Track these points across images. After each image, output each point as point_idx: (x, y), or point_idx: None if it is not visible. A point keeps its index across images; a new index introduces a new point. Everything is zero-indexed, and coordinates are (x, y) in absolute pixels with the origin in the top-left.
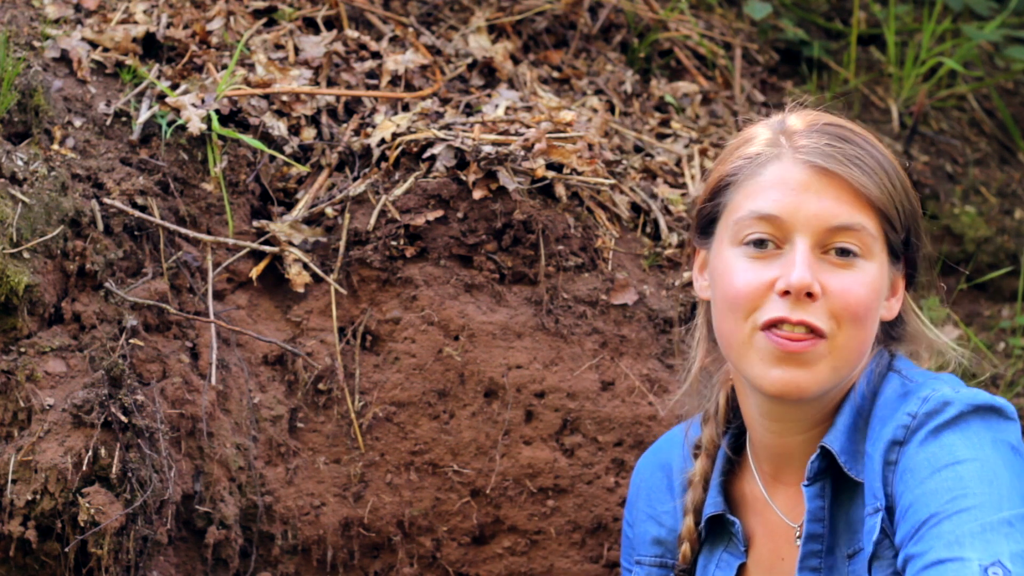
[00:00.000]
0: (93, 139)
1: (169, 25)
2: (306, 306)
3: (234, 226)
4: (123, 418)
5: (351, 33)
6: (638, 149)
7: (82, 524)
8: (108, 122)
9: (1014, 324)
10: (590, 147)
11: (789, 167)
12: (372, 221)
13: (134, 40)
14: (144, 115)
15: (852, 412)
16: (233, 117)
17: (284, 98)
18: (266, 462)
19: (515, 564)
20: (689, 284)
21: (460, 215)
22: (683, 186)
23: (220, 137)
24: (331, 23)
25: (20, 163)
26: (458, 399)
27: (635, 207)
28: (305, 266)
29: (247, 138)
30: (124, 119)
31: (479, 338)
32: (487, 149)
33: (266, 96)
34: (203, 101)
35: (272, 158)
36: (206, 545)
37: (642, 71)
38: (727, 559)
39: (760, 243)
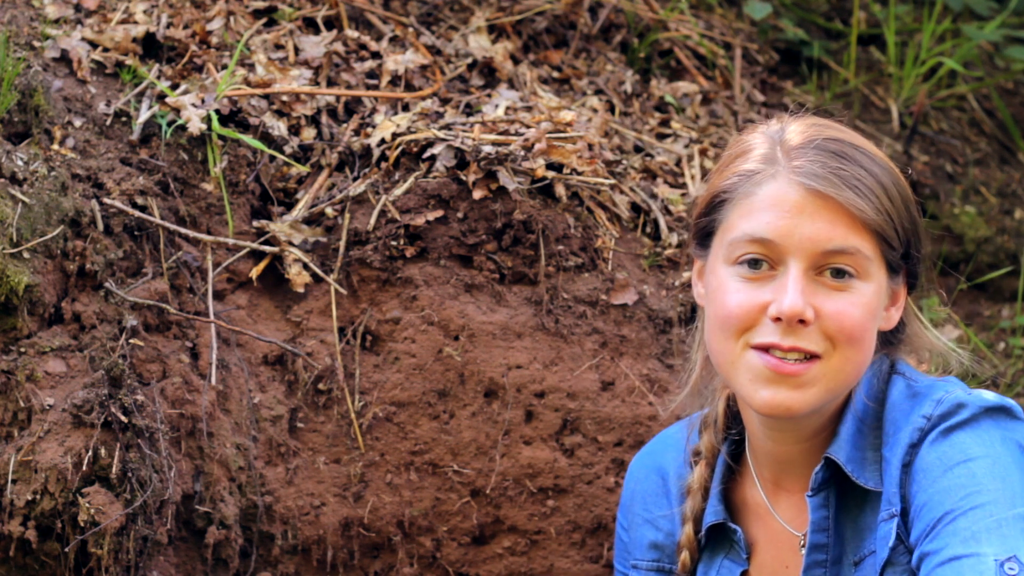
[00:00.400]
0: (93, 139)
1: (169, 25)
2: (306, 306)
3: (234, 226)
4: (123, 418)
5: (351, 33)
6: (638, 149)
7: (82, 524)
8: (108, 122)
9: (1014, 324)
10: (590, 147)
11: (784, 188)
12: (372, 221)
13: (134, 40)
14: (144, 115)
15: (854, 420)
16: (233, 117)
17: (284, 98)
18: (266, 462)
19: (515, 564)
20: (689, 284)
21: (460, 215)
22: (683, 186)
23: (220, 137)
24: (331, 23)
25: (20, 163)
26: (458, 399)
27: (635, 207)
28: (305, 266)
29: (247, 138)
30: (124, 119)
31: (479, 338)
32: (487, 149)
33: (266, 96)
34: (203, 101)
35: (272, 158)
36: (206, 545)
37: (642, 71)
38: (728, 566)
39: (754, 263)
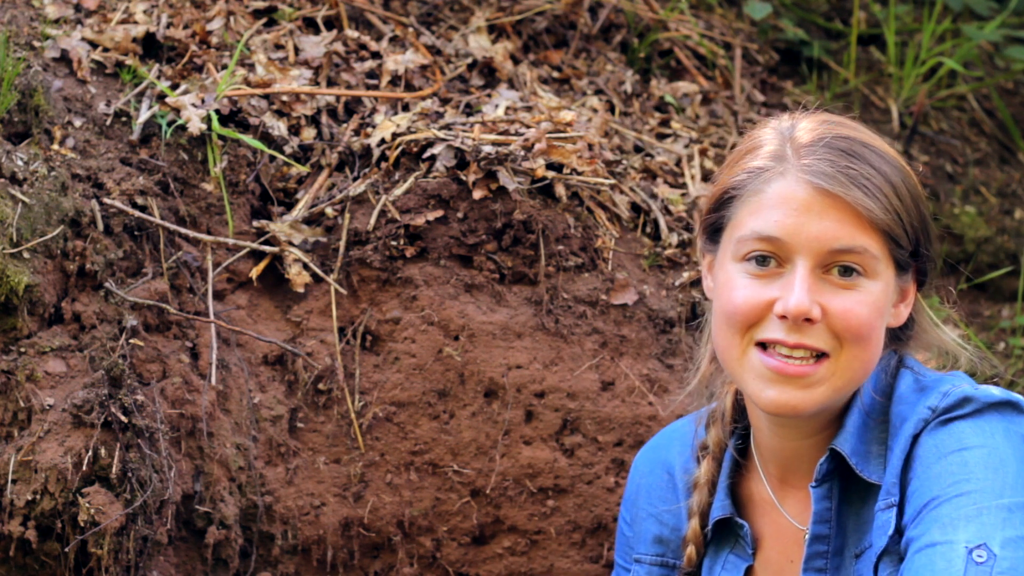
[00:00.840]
0: (93, 139)
1: (169, 25)
2: (306, 306)
3: (234, 226)
4: (123, 418)
5: (351, 33)
6: (638, 149)
7: (82, 524)
8: (108, 122)
9: (1014, 324)
10: (590, 147)
11: (792, 186)
12: (372, 221)
13: (134, 40)
14: (144, 115)
15: (861, 413)
16: (233, 117)
17: (284, 98)
18: (266, 462)
19: (515, 564)
20: (689, 284)
21: (460, 215)
22: (683, 186)
23: (220, 137)
24: (331, 23)
25: (20, 163)
26: (458, 399)
27: (635, 207)
28: (305, 266)
29: (247, 138)
30: (124, 119)
31: (479, 338)
32: (487, 149)
33: (266, 96)
34: (203, 101)
35: (272, 158)
36: (206, 545)
37: (642, 71)
38: (734, 561)
39: (762, 260)
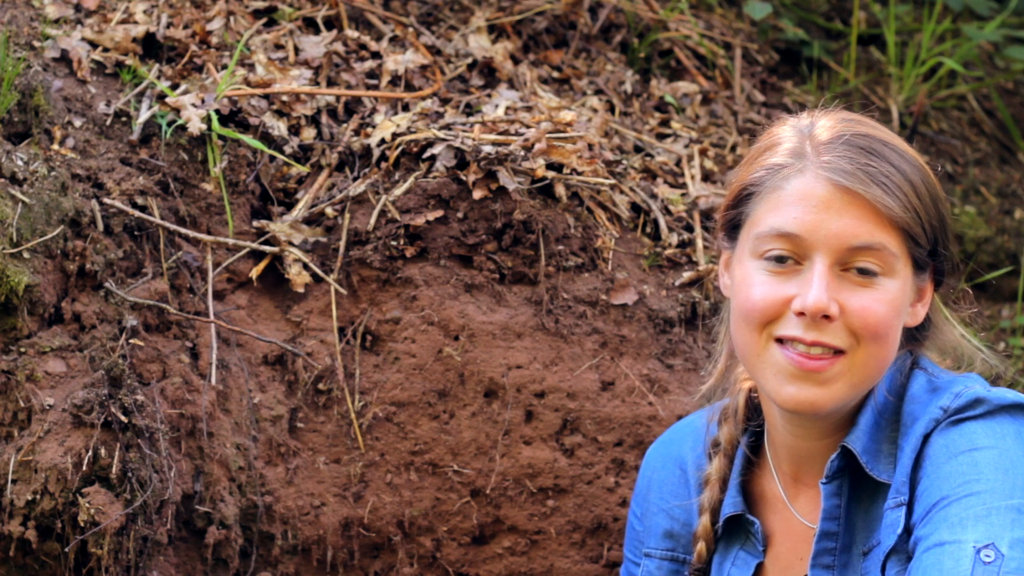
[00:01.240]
0: (93, 139)
1: (169, 25)
2: (306, 306)
3: (234, 226)
4: (123, 418)
5: (351, 33)
6: (638, 149)
7: (82, 524)
8: (108, 122)
9: (1014, 324)
10: (590, 147)
11: (811, 183)
12: (372, 221)
13: (134, 40)
14: (144, 115)
15: (873, 412)
16: (233, 117)
17: (284, 98)
18: (266, 462)
19: (515, 564)
20: (689, 284)
21: (460, 215)
22: (683, 186)
23: (220, 137)
24: (331, 23)
25: (20, 163)
26: (458, 399)
27: (635, 207)
28: (305, 266)
29: (247, 138)
30: (124, 119)
31: (479, 338)
32: (487, 149)
33: (266, 96)
34: (203, 101)
35: (272, 158)
36: (206, 545)
37: (642, 71)
38: (744, 557)
39: (780, 258)
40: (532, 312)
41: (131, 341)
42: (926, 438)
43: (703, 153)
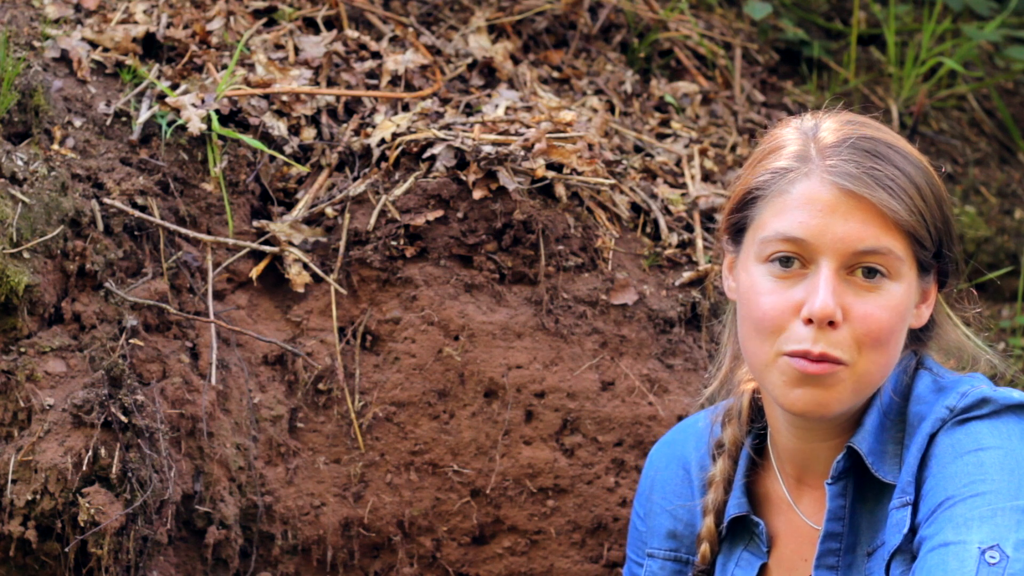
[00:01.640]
0: (93, 139)
1: (169, 25)
2: (306, 306)
3: (234, 226)
4: (123, 418)
5: (351, 33)
6: (638, 149)
7: (82, 524)
8: (108, 122)
9: (1014, 324)
10: (590, 147)
11: (817, 186)
12: (372, 221)
13: (134, 40)
14: (144, 115)
15: (879, 413)
16: (233, 117)
17: (284, 98)
18: (266, 462)
19: (515, 564)
20: (689, 284)
21: (460, 215)
22: (683, 186)
23: (220, 137)
24: (331, 23)
25: (20, 163)
26: (458, 399)
27: (635, 207)
28: (305, 266)
29: (247, 138)
30: (124, 119)
31: (479, 338)
32: (487, 149)
33: (266, 96)
34: (203, 101)
35: (272, 158)
36: (206, 545)
37: (642, 71)
38: (748, 558)
39: (786, 261)
40: (532, 312)
41: (131, 341)
42: (932, 438)
43: (703, 153)
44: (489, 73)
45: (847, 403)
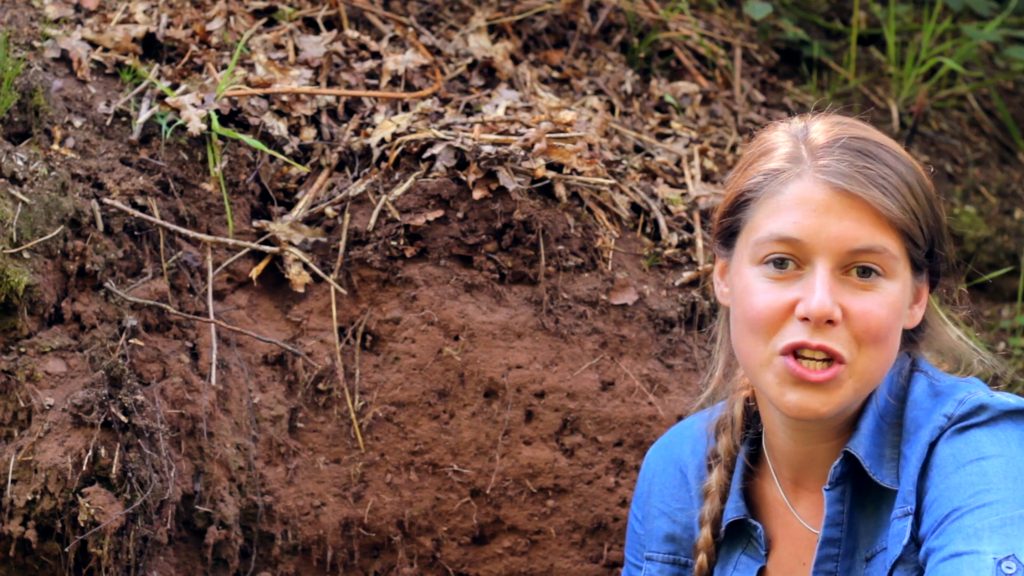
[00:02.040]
0: (93, 139)
1: (169, 25)
2: (306, 306)
3: (234, 226)
4: (123, 418)
5: (351, 33)
6: (638, 149)
7: (82, 524)
8: (108, 122)
9: (1014, 324)
10: (590, 147)
11: (810, 187)
12: (372, 221)
13: (134, 40)
14: (144, 115)
15: (875, 416)
16: (233, 117)
17: (284, 98)
18: (266, 462)
19: (515, 564)
20: (689, 284)
21: (460, 215)
22: (683, 186)
23: (220, 137)
24: (331, 23)
25: (20, 163)
26: (458, 399)
27: (635, 207)
28: (305, 266)
29: (247, 138)
30: (124, 119)
31: (479, 338)
32: (487, 149)
33: (266, 96)
34: (203, 101)
35: (272, 158)
36: (206, 545)
37: (642, 71)
38: (746, 562)
39: (780, 263)
40: (532, 312)
41: (131, 341)
42: (931, 447)
43: (703, 153)
44: (489, 73)
45: (844, 405)
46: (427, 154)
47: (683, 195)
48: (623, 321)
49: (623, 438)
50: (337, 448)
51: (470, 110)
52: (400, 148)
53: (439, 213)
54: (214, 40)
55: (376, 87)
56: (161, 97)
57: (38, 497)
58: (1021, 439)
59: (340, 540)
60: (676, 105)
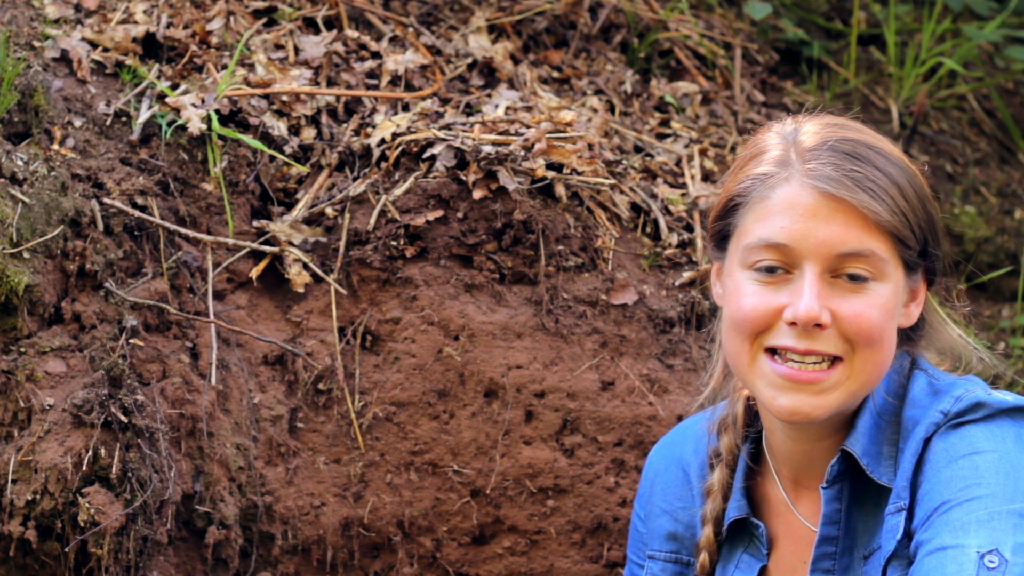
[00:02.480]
0: (93, 139)
1: (169, 25)
2: (306, 306)
3: (234, 226)
4: (123, 418)
5: (351, 33)
6: (638, 149)
7: (82, 524)
8: (108, 122)
9: (1014, 324)
10: (590, 147)
11: (797, 191)
12: (372, 221)
13: (134, 40)
14: (144, 115)
15: (872, 415)
16: (233, 117)
17: (284, 98)
18: (266, 462)
19: (515, 564)
20: (689, 284)
21: (460, 215)
22: (683, 186)
23: (220, 137)
24: (331, 23)
25: (20, 163)
26: (458, 399)
27: (635, 207)
28: (305, 266)
29: (247, 138)
30: (124, 119)
31: (479, 338)
32: (487, 149)
33: (266, 96)
34: (203, 101)
35: (272, 158)
36: (206, 545)
37: (642, 71)
38: (748, 560)
39: (770, 269)
40: (532, 312)
41: (131, 341)
42: (927, 442)
43: (703, 153)
44: (489, 73)
45: (837, 408)
46: (427, 154)
47: (683, 195)
48: (623, 321)
49: (623, 438)
50: (337, 448)
51: (470, 110)
52: (400, 148)
53: (439, 213)
54: (214, 40)
55: (376, 87)
56: (161, 97)
57: (38, 497)
58: (1017, 436)
59: (340, 540)
60: (676, 105)
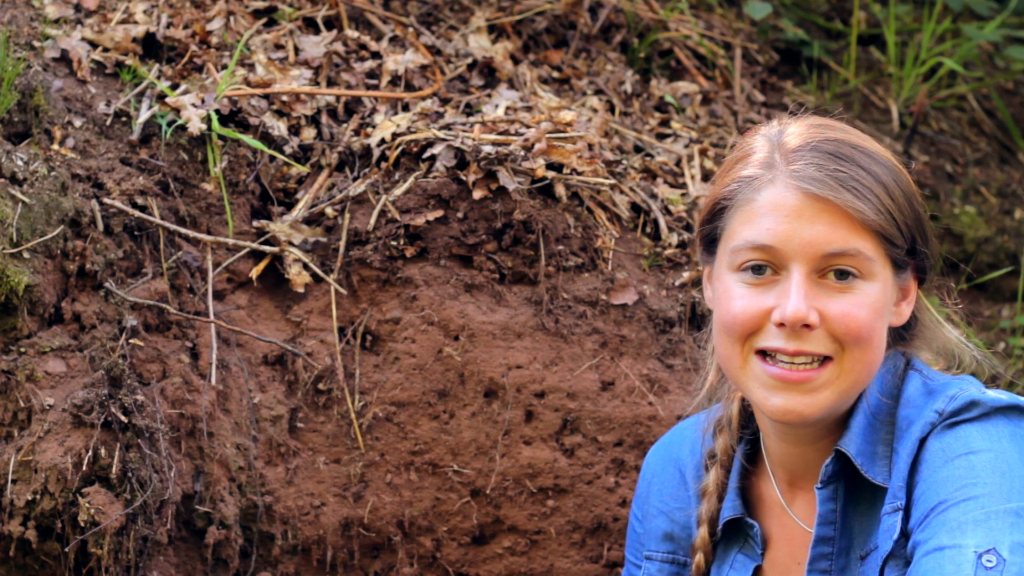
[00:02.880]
0: (93, 139)
1: (169, 25)
2: (306, 306)
3: (234, 226)
4: (123, 418)
5: (351, 33)
6: (638, 149)
7: (82, 524)
8: (108, 122)
9: (1014, 324)
10: (590, 147)
11: (782, 192)
12: (372, 221)
13: (134, 40)
14: (144, 115)
15: (866, 415)
16: (233, 117)
17: (284, 98)
18: (266, 462)
19: (515, 564)
20: (688, 284)
21: (460, 215)
22: (683, 186)
23: (220, 137)
24: (331, 23)
25: (20, 163)
26: (458, 399)
27: (635, 207)
28: (305, 266)
29: (247, 138)
30: (124, 119)
31: (479, 338)
32: (487, 149)
33: (266, 96)
34: (203, 101)
35: (272, 158)
36: (206, 545)
37: (642, 71)
38: (742, 560)
39: (757, 269)
40: (532, 312)
41: (131, 341)
42: (922, 442)
43: (703, 153)
44: (489, 73)
45: (829, 408)
46: (427, 154)
47: (683, 195)
48: (623, 321)
49: (623, 438)
50: (337, 448)
51: (470, 110)
52: (400, 148)
53: (439, 213)
54: (214, 40)
55: (376, 87)
56: (161, 97)
57: (38, 497)
58: (1013, 435)
59: (340, 540)
60: (676, 105)
